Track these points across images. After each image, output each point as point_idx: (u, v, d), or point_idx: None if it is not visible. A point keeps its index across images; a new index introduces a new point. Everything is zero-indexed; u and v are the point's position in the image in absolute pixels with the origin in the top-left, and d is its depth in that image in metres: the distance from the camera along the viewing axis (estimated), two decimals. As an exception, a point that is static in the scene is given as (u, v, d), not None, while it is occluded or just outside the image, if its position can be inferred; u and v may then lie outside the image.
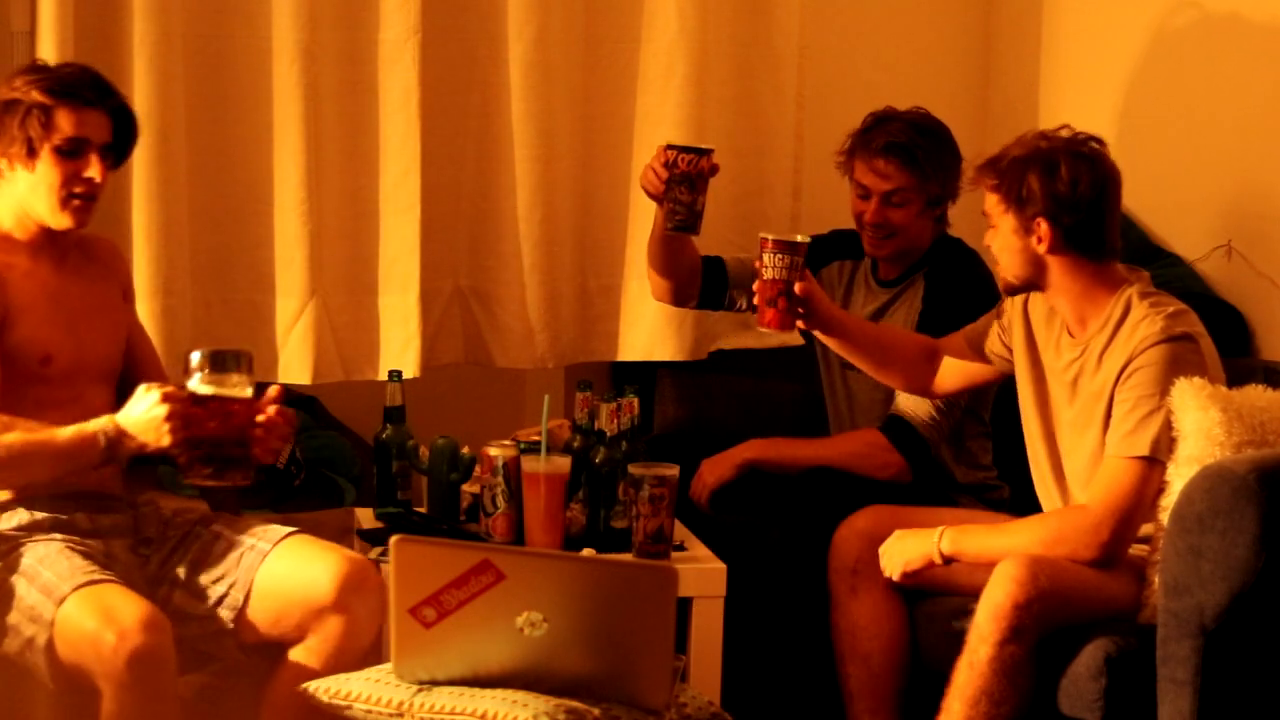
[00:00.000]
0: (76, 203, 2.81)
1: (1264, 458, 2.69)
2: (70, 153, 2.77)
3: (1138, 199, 3.17)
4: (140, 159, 3.51)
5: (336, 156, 3.82)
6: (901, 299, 3.55)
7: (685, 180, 3.30)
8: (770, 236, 3.12)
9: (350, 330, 3.88)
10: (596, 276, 4.07)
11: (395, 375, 3.37)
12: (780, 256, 3.10)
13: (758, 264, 3.13)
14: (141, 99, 3.54)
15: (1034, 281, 3.06)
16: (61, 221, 2.81)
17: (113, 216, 3.54)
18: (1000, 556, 2.88)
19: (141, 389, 2.68)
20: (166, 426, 2.62)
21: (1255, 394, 2.90)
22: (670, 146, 3.31)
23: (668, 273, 3.52)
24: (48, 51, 3.50)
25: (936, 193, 3.49)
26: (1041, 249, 3.01)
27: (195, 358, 2.66)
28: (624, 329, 4.06)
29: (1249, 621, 2.65)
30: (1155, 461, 2.88)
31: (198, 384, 2.65)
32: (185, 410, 2.64)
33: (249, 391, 2.68)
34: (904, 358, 3.32)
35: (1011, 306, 3.21)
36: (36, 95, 2.76)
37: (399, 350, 3.86)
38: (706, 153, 3.29)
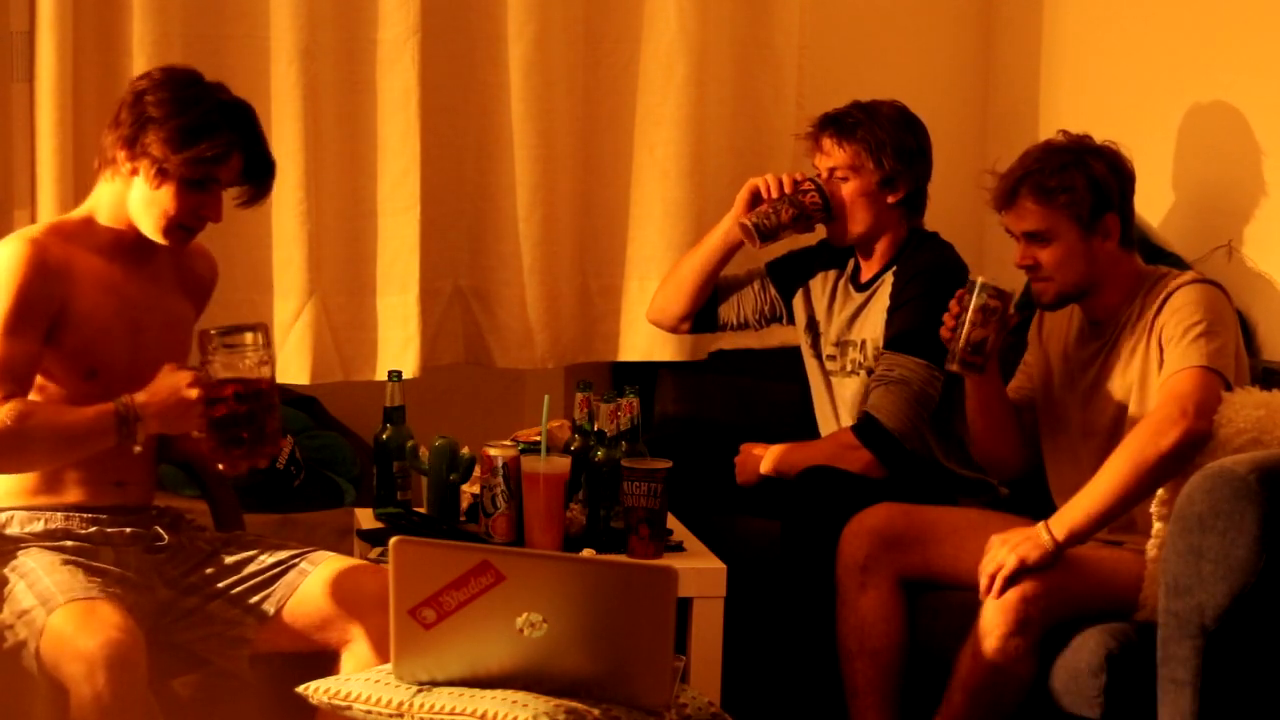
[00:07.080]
0: (183, 231, 2.77)
1: (1264, 458, 2.69)
2: (198, 184, 2.73)
3: (1138, 199, 3.17)
4: (139, 159, 3.51)
5: (335, 156, 3.82)
6: (875, 298, 3.54)
7: (798, 209, 3.49)
8: (979, 280, 3.07)
9: (349, 330, 3.87)
10: (596, 277, 4.07)
11: (395, 375, 3.37)
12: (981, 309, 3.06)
13: (956, 308, 3.09)
14: (141, 99, 3.54)
15: (1091, 283, 3.09)
16: (161, 241, 2.77)
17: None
18: (1110, 513, 2.89)
19: (166, 369, 2.65)
20: (196, 411, 2.61)
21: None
22: (811, 180, 3.51)
23: (703, 286, 3.66)
24: (47, 51, 3.49)
25: (884, 174, 3.49)
26: (1111, 245, 3.07)
27: (212, 336, 2.64)
28: (624, 329, 4.06)
29: (1249, 621, 2.65)
30: (1213, 372, 2.91)
31: (219, 366, 2.62)
32: (213, 393, 2.62)
33: (270, 368, 2.67)
34: (1013, 431, 3.26)
35: (1031, 349, 3.26)
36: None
37: (398, 350, 3.86)
38: (828, 219, 3.50)
